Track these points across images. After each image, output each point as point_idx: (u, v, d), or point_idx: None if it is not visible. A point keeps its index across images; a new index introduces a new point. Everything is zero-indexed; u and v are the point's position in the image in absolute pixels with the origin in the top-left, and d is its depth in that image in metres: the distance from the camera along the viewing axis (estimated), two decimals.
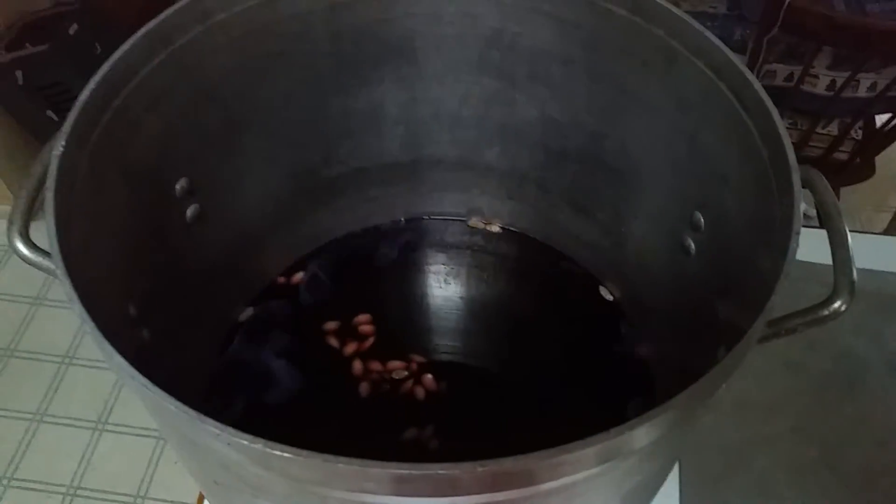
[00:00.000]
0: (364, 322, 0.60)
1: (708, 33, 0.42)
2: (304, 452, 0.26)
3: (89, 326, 0.30)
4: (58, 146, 0.36)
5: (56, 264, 0.32)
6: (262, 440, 0.27)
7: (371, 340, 0.59)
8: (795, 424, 0.58)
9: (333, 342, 0.59)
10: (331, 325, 0.60)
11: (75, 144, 0.38)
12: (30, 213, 0.38)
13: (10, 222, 0.38)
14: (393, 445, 0.53)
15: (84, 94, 0.39)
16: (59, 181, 0.36)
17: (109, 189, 0.41)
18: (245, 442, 0.27)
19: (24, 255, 0.37)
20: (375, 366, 0.58)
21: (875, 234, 0.77)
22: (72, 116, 0.38)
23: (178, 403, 0.28)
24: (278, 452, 0.27)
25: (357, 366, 0.58)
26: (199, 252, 0.53)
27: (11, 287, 1.39)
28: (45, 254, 0.37)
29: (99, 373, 1.28)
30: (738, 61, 0.41)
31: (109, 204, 0.42)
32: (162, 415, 0.32)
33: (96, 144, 0.39)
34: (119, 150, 0.42)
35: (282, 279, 0.63)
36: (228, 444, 0.27)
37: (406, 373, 0.57)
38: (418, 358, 0.58)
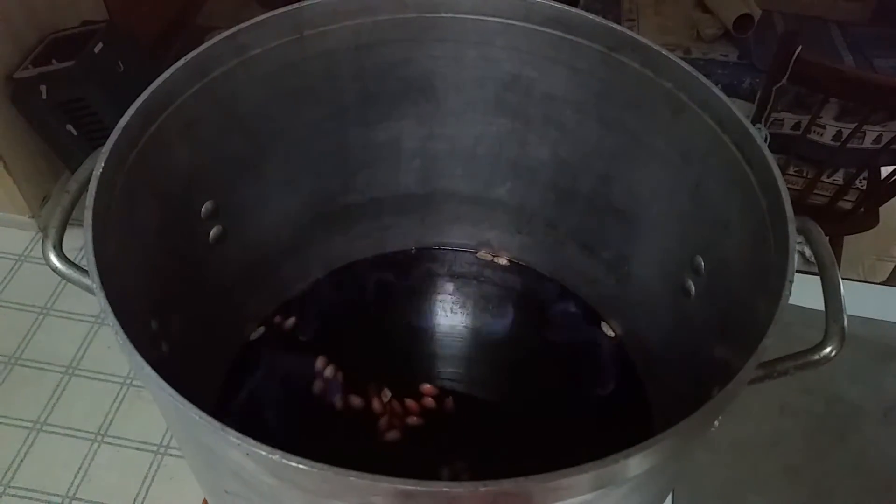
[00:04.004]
0: (322, 367, 0.60)
1: (714, 88, 0.45)
2: (318, 465, 0.28)
3: (122, 338, 0.32)
4: (98, 167, 0.38)
5: (93, 280, 0.34)
6: (280, 451, 0.29)
7: (340, 379, 0.59)
8: (788, 466, 0.59)
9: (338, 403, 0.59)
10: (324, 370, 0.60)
11: (114, 166, 0.40)
12: (64, 228, 0.40)
13: (46, 236, 0.40)
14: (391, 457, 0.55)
15: (125, 119, 0.41)
16: (97, 200, 0.38)
17: (141, 208, 0.44)
18: (263, 452, 0.29)
19: (59, 270, 0.39)
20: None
21: (875, 283, 0.78)
22: (112, 138, 0.40)
23: (202, 413, 0.30)
24: (294, 464, 0.28)
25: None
26: (218, 271, 0.55)
27: (20, 296, 1.41)
28: (78, 267, 0.38)
29: (101, 384, 1.30)
30: (742, 116, 0.43)
31: (140, 223, 0.44)
32: (183, 424, 0.33)
33: (132, 166, 0.42)
34: (152, 172, 0.44)
35: (278, 318, 0.63)
36: (247, 454, 0.29)
37: (390, 394, 0.58)
38: (386, 392, 0.59)
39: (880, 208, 1.25)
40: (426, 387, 0.59)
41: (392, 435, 0.56)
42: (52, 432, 1.23)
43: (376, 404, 0.57)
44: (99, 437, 1.23)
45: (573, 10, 0.49)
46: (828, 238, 0.42)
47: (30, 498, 1.16)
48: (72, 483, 1.18)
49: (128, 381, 1.30)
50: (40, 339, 1.36)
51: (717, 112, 0.45)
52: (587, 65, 0.51)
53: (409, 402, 0.58)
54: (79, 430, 1.24)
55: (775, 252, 0.39)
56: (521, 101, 0.56)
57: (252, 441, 0.29)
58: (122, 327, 0.33)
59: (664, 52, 0.47)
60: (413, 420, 0.57)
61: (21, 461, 1.20)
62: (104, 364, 1.32)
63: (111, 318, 0.33)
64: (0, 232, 1.51)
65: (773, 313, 0.35)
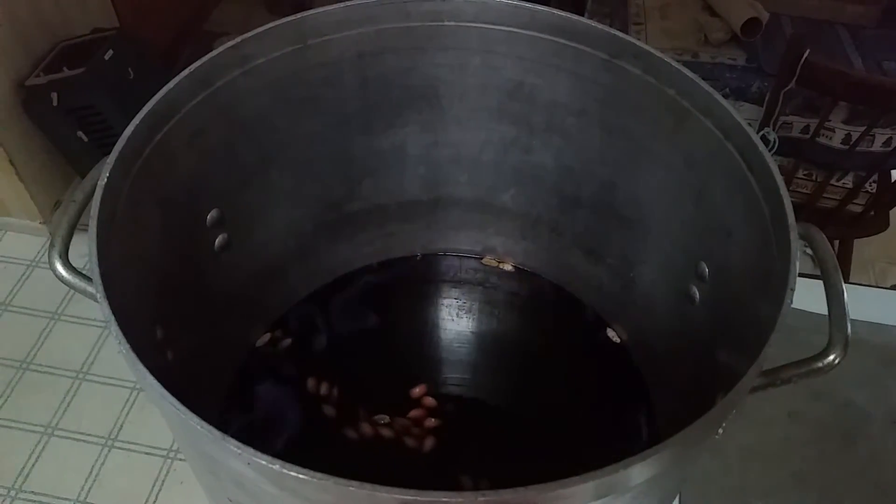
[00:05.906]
0: (313, 386, 0.60)
1: (717, 94, 0.45)
2: (318, 475, 0.28)
3: (124, 348, 0.33)
4: (103, 176, 0.39)
5: (97, 289, 0.35)
6: (280, 461, 0.29)
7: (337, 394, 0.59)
8: (796, 472, 0.59)
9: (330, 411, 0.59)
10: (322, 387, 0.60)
11: (119, 175, 0.40)
12: (70, 237, 0.41)
13: (52, 245, 0.40)
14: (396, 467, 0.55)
15: (129, 128, 0.41)
16: (101, 209, 0.38)
17: (146, 217, 0.44)
18: (263, 462, 0.29)
19: (64, 278, 0.39)
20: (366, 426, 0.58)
21: (884, 288, 0.78)
22: (117, 148, 0.40)
23: (203, 423, 0.30)
24: (293, 473, 0.28)
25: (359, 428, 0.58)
26: (223, 279, 0.55)
27: (32, 301, 1.42)
28: (83, 276, 0.39)
29: (112, 390, 1.30)
30: (745, 123, 0.43)
31: (145, 231, 0.44)
32: (185, 433, 0.34)
33: (137, 175, 0.42)
34: (157, 181, 0.44)
35: (278, 332, 0.63)
36: (248, 463, 0.29)
37: (387, 417, 0.58)
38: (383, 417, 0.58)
39: (890, 212, 1.24)
40: (416, 390, 0.59)
41: (429, 443, 0.57)
42: (63, 437, 1.24)
43: (386, 432, 0.57)
44: (109, 442, 1.24)
45: (575, 17, 0.49)
46: (838, 242, 0.41)
47: (41, 502, 1.16)
48: (82, 487, 1.18)
49: (138, 386, 1.30)
50: (51, 344, 1.36)
51: (720, 119, 0.45)
52: (590, 72, 0.51)
53: (414, 412, 0.58)
54: (89, 435, 1.24)
55: (778, 258, 0.39)
56: (525, 108, 0.56)
57: (252, 450, 0.29)
58: (125, 336, 0.33)
59: (666, 58, 0.46)
60: (431, 422, 0.58)
61: (32, 466, 1.20)
62: (114, 369, 1.33)
63: (114, 327, 0.33)
64: (12, 237, 1.52)
65: (774, 321, 0.35)
